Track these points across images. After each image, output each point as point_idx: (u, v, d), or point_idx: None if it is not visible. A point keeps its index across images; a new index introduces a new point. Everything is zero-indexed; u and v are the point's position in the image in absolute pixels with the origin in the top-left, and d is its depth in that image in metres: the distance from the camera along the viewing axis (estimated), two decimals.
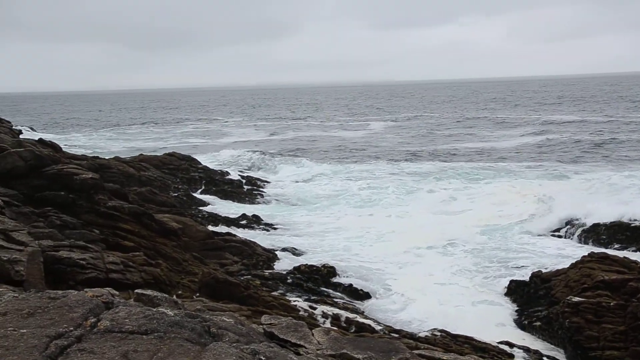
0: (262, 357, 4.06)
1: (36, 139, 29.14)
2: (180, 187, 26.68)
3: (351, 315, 12.49)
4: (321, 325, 11.08)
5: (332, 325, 11.41)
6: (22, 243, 8.86)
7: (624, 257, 13.97)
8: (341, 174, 33.05)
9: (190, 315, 4.51)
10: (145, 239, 14.29)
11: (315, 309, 12.59)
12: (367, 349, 5.63)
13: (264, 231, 21.00)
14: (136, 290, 5.50)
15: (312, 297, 14.07)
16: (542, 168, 33.16)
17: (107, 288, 5.87)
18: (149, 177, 25.77)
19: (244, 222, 21.65)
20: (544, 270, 15.34)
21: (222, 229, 19.92)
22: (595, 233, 19.19)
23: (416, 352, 6.31)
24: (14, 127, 42.87)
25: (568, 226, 20.24)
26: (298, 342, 5.53)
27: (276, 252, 17.61)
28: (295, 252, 18.13)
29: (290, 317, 6.43)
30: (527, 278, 15.16)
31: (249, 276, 14.97)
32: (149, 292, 5.40)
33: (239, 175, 30.82)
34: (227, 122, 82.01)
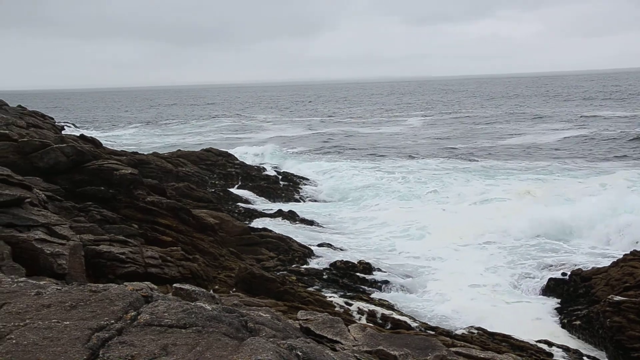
0: (298, 353, 4.07)
1: (77, 134, 29.78)
2: (217, 182, 26.94)
3: (387, 312, 12.45)
4: (357, 321, 11.07)
5: (367, 322, 11.40)
6: (64, 237, 9.05)
7: None
8: (378, 169, 32.93)
9: (227, 309, 4.55)
10: (182, 234, 14.47)
11: (351, 305, 12.59)
12: (404, 346, 5.61)
13: (300, 227, 21.06)
14: (174, 285, 5.57)
15: (348, 293, 14.09)
16: (581, 164, 32.54)
17: (145, 282, 5.96)
18: (187, 173, 26.07)
19: (280, 217, 21.75)
20: (583, 269, 15.06)
21: (258, 224, 20.07)
22: None
23: (453, 349, 6.25)
24: (56, 123, 43.88)
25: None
26: (334, 338, 5.54)
27: (312, 248, 17.65)
28: (331, 247, 18.14)
29: (326, 313, 6.43)
30: (565, 276, 14.91)
31: (285, 272, 15.05)
32: (187, 286, 5.46)
33: (275, 171, 30.96)
34: (263, 118, 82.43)
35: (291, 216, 22.06)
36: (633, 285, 12.31)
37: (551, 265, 16.54)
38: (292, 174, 30.96)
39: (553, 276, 15.30)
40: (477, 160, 35.72)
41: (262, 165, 32.05)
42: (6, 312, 4.01)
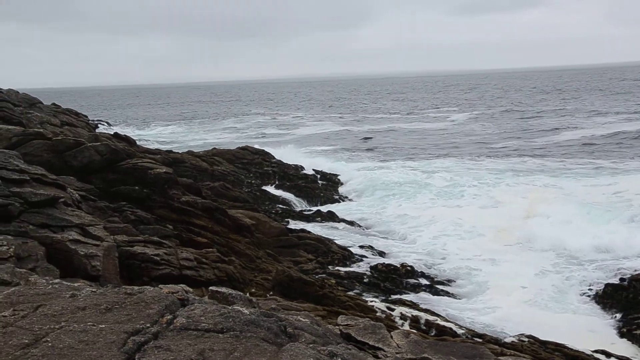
0: None
1: (111, 133, 30.36)
2: (253, 182, 27.13)
3: (431, 318, 12.36)
4: (400, 327, 11.02)
5: (411, 328, 11.33)
6: (98, 238, 9.25)
7: None
8: (420, 167, 32.70)
9: (265, 314, 4.58)
10: (218, 235, 14.63)
11: (393, 310, 12.53)
12: (450, 354, 5.55)
13: (339, 227, 21.06)
14: (210, 288, 5.62)
15: (390, 298, 14.03)
16: None
17: (181, 285, 6.04)
18: (222, 172, 26.32)
19: (318, 218, 21.80)
20: None
21: (296, 225, 20.15)
22: None
23: (502, 358, 6.17)
24: (90, 121, 44.85)
25: None
26: (376, 345, 5.52)
27: (352, 250, 17.64)
28: (372, 249, 18.10)
29: (367, 318, 6.41)
30: (624, 282, 14.57)
31: (324, 275, 15.07)
32: (223, 289, 5.51)
33: (313, 170, 31.00)
34: (301, 114, 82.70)
35: (330, 217, 22.08)
36: None
37: (608, 270, 16.17)
38: (331, 173, 30.97)
39: (610, 282, 14.96)
40: (528, 158, 35.11)
41: (299, 164, 32.14)
42: (42, 314, 4.11)
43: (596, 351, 11.59)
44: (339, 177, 30.41)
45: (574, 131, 46.80)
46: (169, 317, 4.19)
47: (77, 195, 11.55)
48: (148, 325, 4.02)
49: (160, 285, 5.36)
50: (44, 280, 5.20)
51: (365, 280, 15.11)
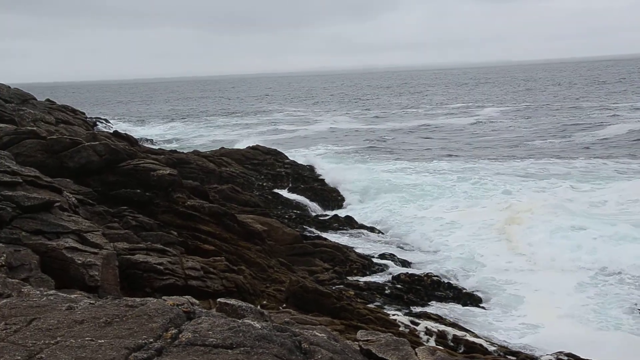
0: None
1: (111, 131, 30.55)
2: (264, 184, 27.15)
3: (459, 333, 12.30)
4: (425, 343, 10.97)
5: (437, 344, 11.29)
6: (96, 245, 9.28)
7: None
8: (446, 168, 32.54)
9: (278, 328, 4.57)
10: (226, 242, 14.65)
11: (417, 324, 12.48)
12: None
13: (358, 234, 21.04)
14: (219, 300, 5.64)
15: (414, 311, 13.99)
16: None
17: (186, 296, 6.05)
18: (231, 173, 26.37)
19: (335, 224, 21.78)
20: None
21: (311, 231, 20.14)
22: None
23: None
24: (87, 119, 45.12)
25: None
26: None
27: (372, 259, 17.61)
28: (394, 258, 18.04)
29: (389, 333, 6.39)
30: None
31: (342, 285, 15.06)
32: (232, 301, 5.52)
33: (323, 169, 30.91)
34: (317, 110, 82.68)
35: (348, 222, 22.05)
36: None
37: None
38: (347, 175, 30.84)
39: None
40: (568, 159, 34.79)
41: (314, 165, 32.08)
42: (36, 328, 4.14)
43: None
44: (357, 179, 30.31)
45: (622, 127, 45.90)
46: (173, 331, 4.20)
47: (73, 199, 11.61)
48: (151, 340, 4.03)
49: (164, 297, 5.38)
50: (38, 292, 5.23)
51: (386, 292, 15.07)
